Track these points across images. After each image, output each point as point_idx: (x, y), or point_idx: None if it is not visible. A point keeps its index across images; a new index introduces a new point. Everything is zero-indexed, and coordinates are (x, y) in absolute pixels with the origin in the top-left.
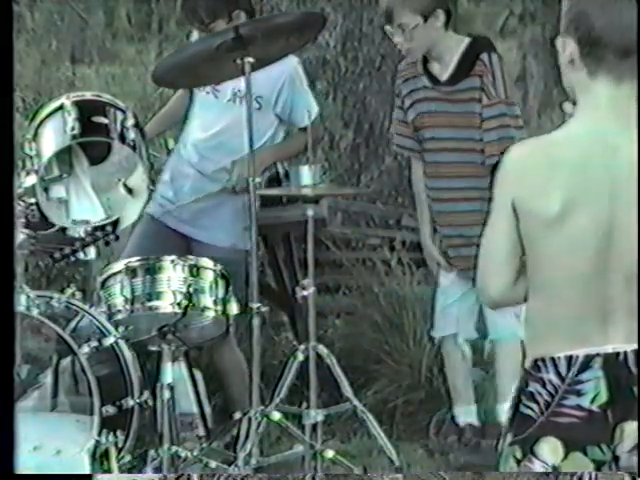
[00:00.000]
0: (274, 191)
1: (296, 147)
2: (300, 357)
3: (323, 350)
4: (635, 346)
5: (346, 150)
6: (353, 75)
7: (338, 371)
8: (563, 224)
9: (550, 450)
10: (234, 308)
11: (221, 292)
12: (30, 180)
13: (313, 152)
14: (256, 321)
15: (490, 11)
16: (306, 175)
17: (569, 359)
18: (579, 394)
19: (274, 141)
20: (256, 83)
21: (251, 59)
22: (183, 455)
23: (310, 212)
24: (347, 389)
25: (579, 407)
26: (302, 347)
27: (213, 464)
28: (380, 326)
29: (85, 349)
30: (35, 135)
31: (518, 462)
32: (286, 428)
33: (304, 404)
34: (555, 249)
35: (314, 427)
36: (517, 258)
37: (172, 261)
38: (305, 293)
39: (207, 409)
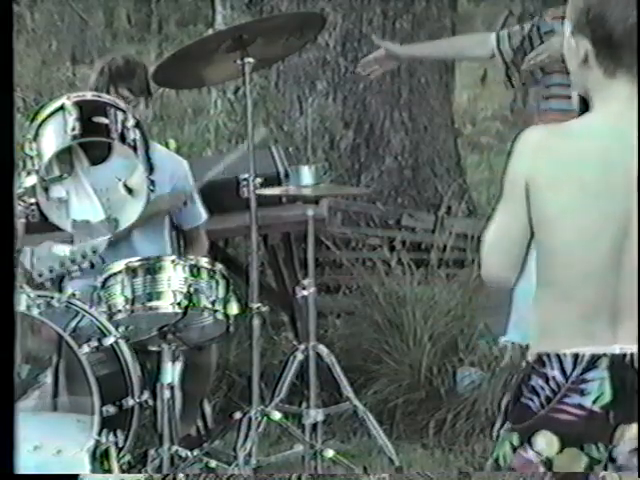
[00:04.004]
0: (274, 191)
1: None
2: (300, 357)
3: (323, 350)
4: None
5: (346, 150)
6: (353, 75)
7: (338, 371)
8: (577, 215)
9: (546, 443)
10: (234, 308)
11: (221, 292)
12: (30, 180)
13: (313, 152)
14: (256, 321)
15: (490, 11)
16: (306, 175)
17: (575, 357)
18: (582, 393)
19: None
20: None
21: (251, 59)
22: (183, 455)
23: (310, 212)
24: (347, 389)
25: (580, 406)
26: (302, 347)
27: (213, 464)
28: (380, 326)
29: (85, 349)
30: (36, 135)
31: (514, 449)
32: (286, 428)
33: (304, 404)
34: (568, 241)
35: (314, 427)
36: (524, 241)
37: (172, 261)
38: (305, 293)
39: (207, 409)
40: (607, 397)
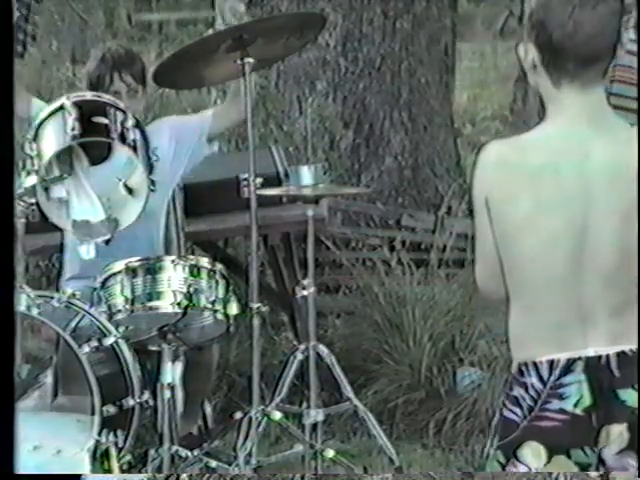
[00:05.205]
0: (274, 191)
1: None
2: (300, 357)
3: (323, 350)
4: (617, 349)
5: (346, 150)
6: (353, 75)
7: (338, 371)
8: (533, 227)
9: (533, 454)
10: (234, 308)
11: (221, 292)
12: (30, 180)
13: (313, 152)
14: (256, 321)
15: (490, 11)
16: (306, 175)
17: (551, 363)
18: (561, 398)
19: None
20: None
21: (251, 60)
22: (183, 455)
23: (310, 212)
24: (347, 389)
25: (562, 411)
26: (302, 347)
27: (213, 464)
28: (380, 326)
29: (85, 349)
30: (35, 135)
31: (502, 466)
32: (286, 428)
33: (304, 404)
34: (527, 253)
35: (314, 427)
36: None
37: (172, 261)
38: (305, 293)
39: (207, 409)
40: (587, 400)
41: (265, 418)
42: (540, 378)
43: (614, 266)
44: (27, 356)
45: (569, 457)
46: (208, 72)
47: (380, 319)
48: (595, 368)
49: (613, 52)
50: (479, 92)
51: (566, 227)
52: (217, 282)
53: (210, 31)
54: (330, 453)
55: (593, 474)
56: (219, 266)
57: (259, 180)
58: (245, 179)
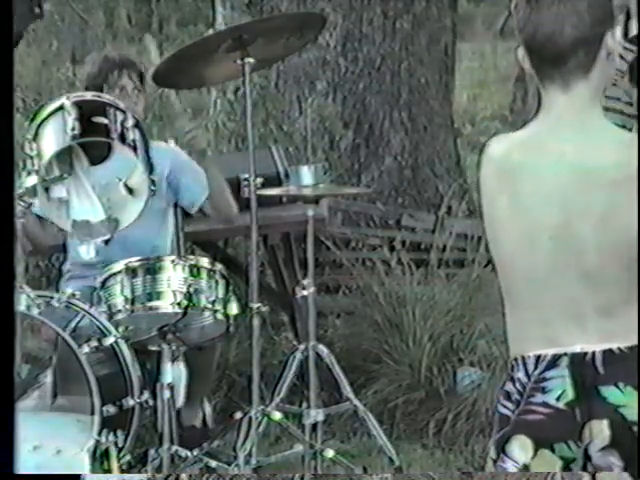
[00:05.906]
0: (274, 191)
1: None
2: (300, 357)
3: (323, 350)
4: (605, 346)
5: (346, 150)
6: (353, 75)
7: (338, 371)
8: (513, 226)
9: (520, 448)
10: (234, 308)
11: (221, 292)
12: (31, 180)
13: (313, 152)
14: (256, 321)
15: (490, 11)
16: (306, 175)
17: (537, 358)
18: (544, 391)
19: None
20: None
21: (251, 59)
22: (183, 455)
23: (310, 212)
24: (347, 389)
25: (545, 404)
26: (302, 347)
27: (213, 464)
28: (380, 326)
29: (85, 349)
30: (35, 135)
31: (494, 462)
32: (286, 428)
33: (304, 404)
34: (509, 251)
35: (314, 427)
36: None
37: (172, 261)
38: (305, 293)
39: (207, 409)
40: (570, 394)
41: (265, 418)
42: (526, 372)
43: (594, 266)
44: (27, 356)
45: (553, 451)
46: (208, 72)
47: (380, 319)
48: (579, 364)
49: (587, 50)
50: (479, 92)
51: (544, 227)
52: (217, 282)
53: (210, 31)
54: (330, 453)
55: (586, 476)
56: (219, 266)
57: (259, 180)
58: (245, 179)
